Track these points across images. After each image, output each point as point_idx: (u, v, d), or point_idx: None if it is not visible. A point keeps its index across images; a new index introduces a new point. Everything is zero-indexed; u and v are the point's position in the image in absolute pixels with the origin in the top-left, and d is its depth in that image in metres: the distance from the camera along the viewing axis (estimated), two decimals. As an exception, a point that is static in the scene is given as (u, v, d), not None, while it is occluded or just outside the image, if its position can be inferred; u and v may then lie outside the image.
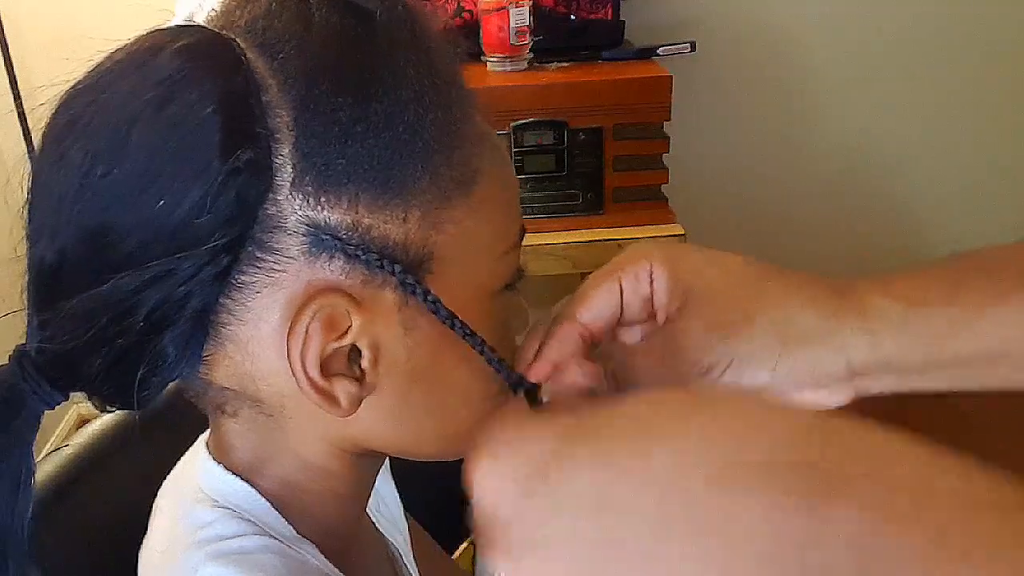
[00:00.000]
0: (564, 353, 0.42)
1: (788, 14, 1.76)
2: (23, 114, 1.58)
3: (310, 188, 0.37)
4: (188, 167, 0.36)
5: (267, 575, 0.41)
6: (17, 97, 1.64)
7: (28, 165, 0.39)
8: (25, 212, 0.39)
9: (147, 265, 0.36)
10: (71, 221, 0.37)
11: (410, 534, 0.63)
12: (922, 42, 1.79)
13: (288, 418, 0.42)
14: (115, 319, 0.36)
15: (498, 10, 1.35)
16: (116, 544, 0.51)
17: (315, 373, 0.39)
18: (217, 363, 0.40)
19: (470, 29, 1.43)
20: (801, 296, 0.42)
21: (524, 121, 1.31)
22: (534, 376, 0.42)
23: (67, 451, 0.66)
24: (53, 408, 0.39)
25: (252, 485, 0.44)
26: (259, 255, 0.38)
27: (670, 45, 1.46)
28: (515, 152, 1.30)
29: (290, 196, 0.37)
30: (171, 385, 0.40)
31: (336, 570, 0.45)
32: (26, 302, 0.39)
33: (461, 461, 0.46)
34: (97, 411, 0.42)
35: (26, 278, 0.39)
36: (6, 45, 1.66)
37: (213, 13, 0.40)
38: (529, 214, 1.31)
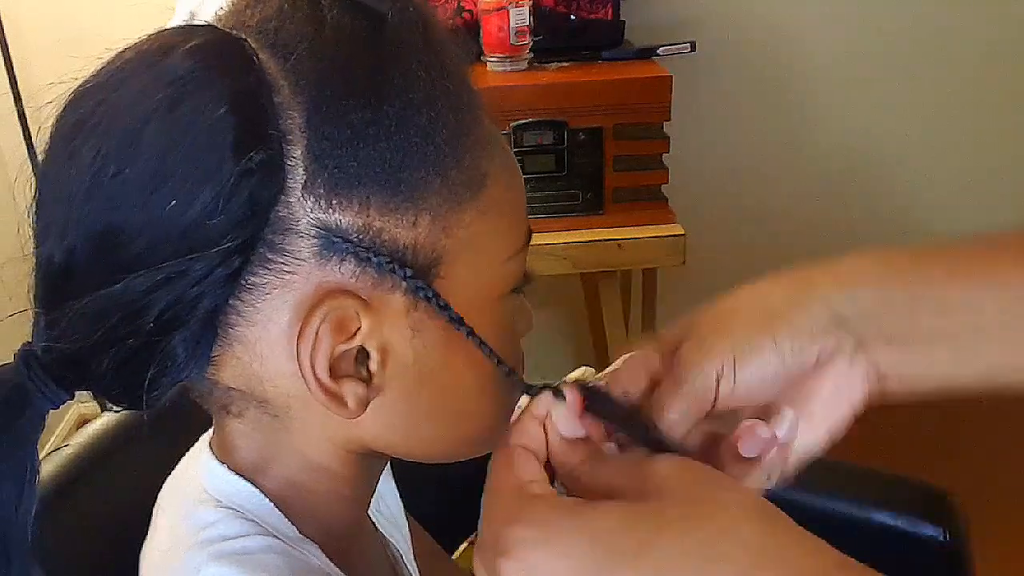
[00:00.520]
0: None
1: (788, 14, 1.77)
2: (23, 114, 1.58)
3: (322, 190, 0.37)
4: (200, 168, 0.35)
5: (270, 575, 0.41)
6: (17, 97, 1.64)
7: (30, 165, 0.39)
8: (32, 210, 0.39)
9: (158, 266, 0.36)
10: (80, 220, 0.37)
11: (410, 534, 0.63)
12: (922, 42, 1.79)
13: (294, 419, 0.42)
14: (125, 319, 0.36)
15: (498, 10, 1.35)
16: (116, 544, 0.51)
17: (324, 375, 0.39)
18: (224, 363, 0.40)
19: (470, 29, 1.43)
20: (771, 281, 0.43)
21: (524, 121, 1.31)
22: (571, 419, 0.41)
23: (67, 451, 0.67)
24: (58, 407, 0.38)
25: (255, 485, 0.44)
26: (270, 257, 0.38)
27: (670, 45, 1.46)
28: (515, 152, 1.30)
29: (302, 198, 0.37)
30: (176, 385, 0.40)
31: (338, 570, 0.45)
32: (32, 300, 0.39)
33: (461, 462, 0.46)
34: (98, 411, 0.42)
35: (33, 276, 0.39)
36: (6, 45, 1.66)
37: (222, 12, 0.40)
38: (529, 214, 1.30)
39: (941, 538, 0.93)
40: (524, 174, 0.46)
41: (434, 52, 0.40)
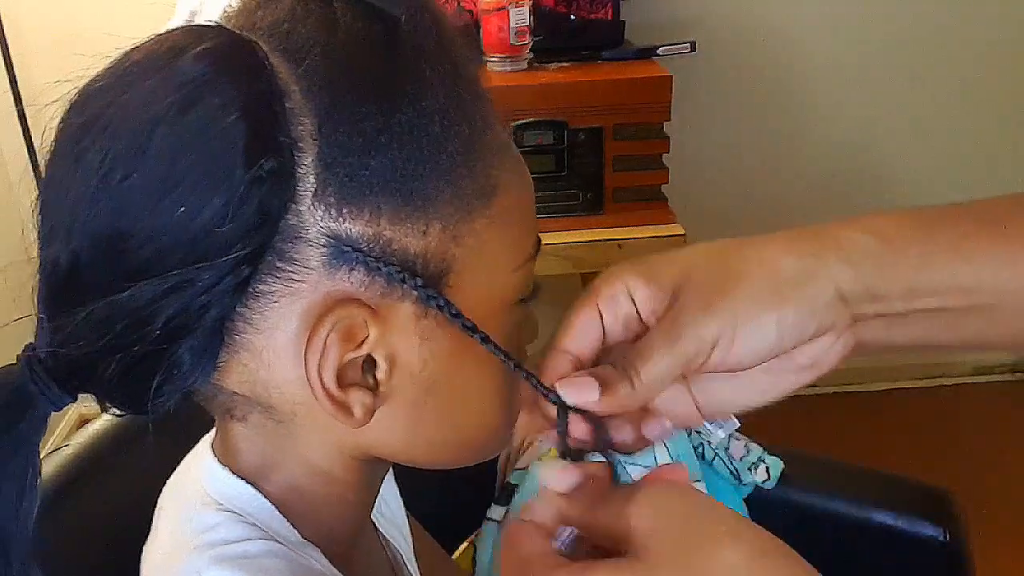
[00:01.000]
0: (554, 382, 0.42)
1: (788, 14, 1.77)
2: (23, 114, 1.58)
3: (332, 199, 0.37)
4: (210, 175, 0.35)
5: None
6: (17, 97, 1.64)
7: (31, 165, 0.39)
8: (36, 212, 0.38)
9: (166, 274, 0.35)
10: (87, 224, 0.36)
11: (410, 534, 0.63)
12: (922, 42, 1.79)
13: (298, 425, 0.42)
14: (131, 327, 0.36)
15: (498, 10, 1.35)
16: (115, 545, 0.51)
17: (331, 384, 0.38)
18: (230, 369, 0.40)
19: (469, 29, 1.43)
20: (778, 247, 0.42)
21: (524, 121, 1.31)
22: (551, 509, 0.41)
23: (67, 451, 0.67)
24: (60, 410, 0.38)
25: (258, 489, 0.44)
26: (279, 265, 0.37)
27: (670, 45, 1.46)
28: (515, 152, 1.30)
29: (312, 207, 0.37)
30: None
31: (340, 575, 0.45)
32: (36, 303, 0.38)
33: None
34: (98, 411, 0.42)
35: (37, 278, 0.38)
36: (6, 45, 1.66)
37: (231, 11, 0.39)
38: (530, 214, 1.30)
39: (941, 538, 0.93)
40: (525, 175, 0.46)
41: (447, 58, 0.40)
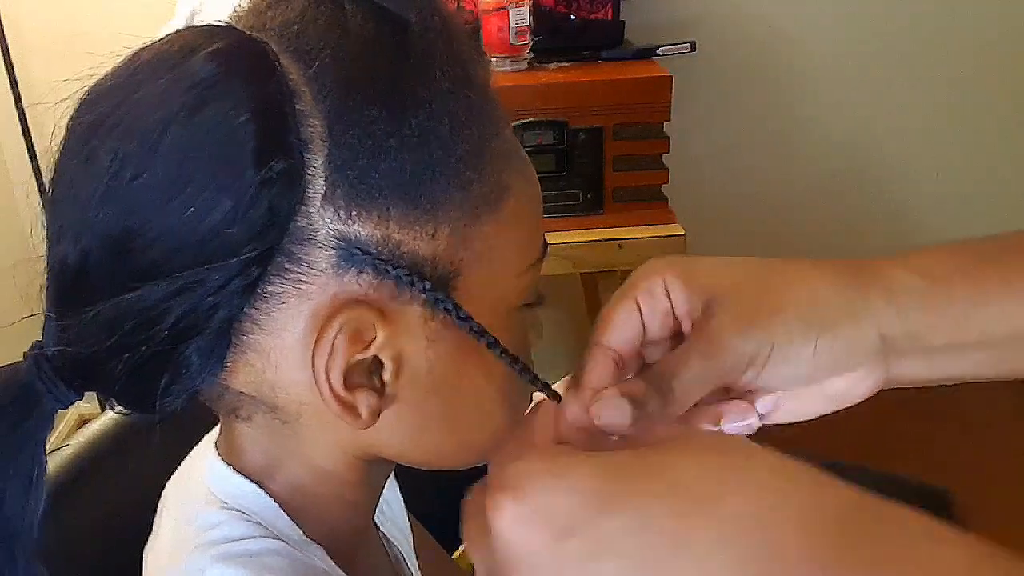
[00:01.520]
0: (603, 377, 0.41)
1: (788, 14, 1.77)
2: (23, 114, 1.58)
3: (342, 201, 0.37)
4: (220, 176, 0.35)
5: None
6: (17, 97, 1.64)
7: (31, 166, 0.39)
8: (45, 210, 0.38)
9: (175, 275, 0.35)
10: (96, 223, 0.36)
11: (412, 534, 0.63)
12: (922, 42, 1.79)
13: (304, 425, 0.42)
14: (140, 327, 0.36)
15: (498, 10, 1.36)
16: (116, 544, 0.51)
17: (338, 385, 0.39)
18: (237, 369, 0.40)
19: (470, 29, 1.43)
20: (823, 277, 0.42)
21: (524, 121, 1.31)
22: (580, 408, 0.40)
23: (67, 451, 0.66)
24: (67, 408, 0.38)
25: (262, 488, 0.44)
26: (287, 266, 0.37)
27: (670, 45, 1.46)
28: (515, 152, 1.30)
29: (321, 209, 0.37)
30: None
31: (343, 574, 0.45)
32: (44, 301, 0.38)
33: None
34: (98, 411, 0.42)
35: (45, 277, 0.38)
36: (6, 45, 1.66)
37: (241, 11, 0.39)
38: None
39: (941, 538, 0.92)
40: (525, 175, 0.46)
41: (457, 61, 0.39)
